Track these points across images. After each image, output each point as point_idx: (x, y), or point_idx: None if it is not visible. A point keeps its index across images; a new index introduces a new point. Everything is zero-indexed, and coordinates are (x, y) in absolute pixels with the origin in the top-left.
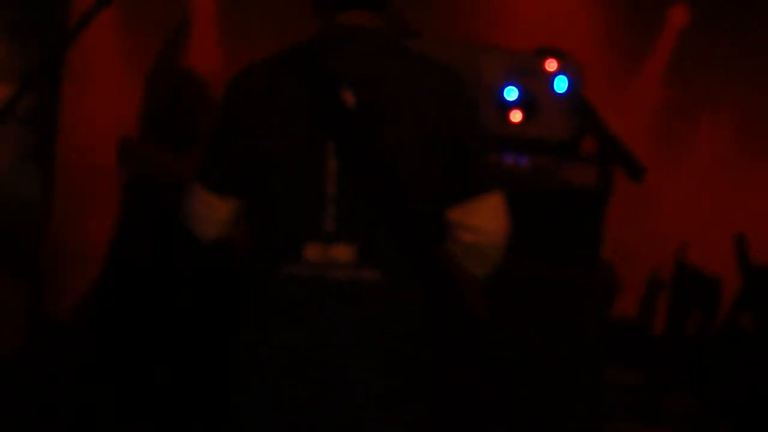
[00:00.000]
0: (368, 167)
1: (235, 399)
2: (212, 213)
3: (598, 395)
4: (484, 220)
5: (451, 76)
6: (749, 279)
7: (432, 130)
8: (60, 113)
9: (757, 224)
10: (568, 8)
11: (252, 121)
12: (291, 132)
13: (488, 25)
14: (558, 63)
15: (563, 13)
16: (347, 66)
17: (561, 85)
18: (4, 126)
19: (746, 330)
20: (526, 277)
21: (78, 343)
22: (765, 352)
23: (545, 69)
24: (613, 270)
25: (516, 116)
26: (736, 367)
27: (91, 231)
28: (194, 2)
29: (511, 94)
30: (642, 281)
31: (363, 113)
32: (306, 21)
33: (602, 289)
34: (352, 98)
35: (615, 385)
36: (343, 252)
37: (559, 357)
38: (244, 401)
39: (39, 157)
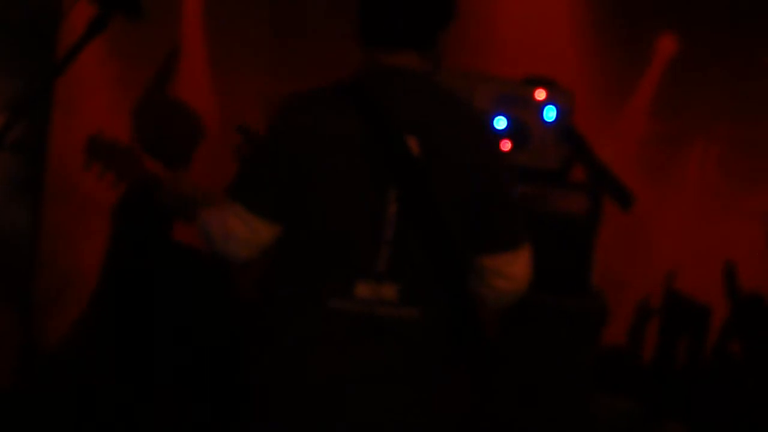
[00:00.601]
0: (427, 215)
1: (265, 424)
2: (254, 236)
3: (588, 422)
4: (521, 270)
5: (488, 127)
6: (737, 307)
7: (477, 181)
8: (49, 143)
9: (745, 253)
10: (557, 37)
11: (309, 153)
12: (352, 171)
13: (477, 53)
14: (547, 92)
15: (552, 42)
16: (408, 112)
17: (550, 114)
18: None
19: (735, 357)
20: (517, 303)
21: (67, 373)
22: (753, 379)
23: (534, 98)
24: (603, 297)
25: (505, 145)
26: (726, 395)
27: (81, 260)
28: (184, 32)
29: (501, 123)
30: (631, 309)
31: (426, 162)
32: (295, 52)
33: (592, 317)
34: (416, 146)
35: (605, 413)
36: (390, 291)
37: (549, 384)
38: (277, 428)
39: (28, 186)
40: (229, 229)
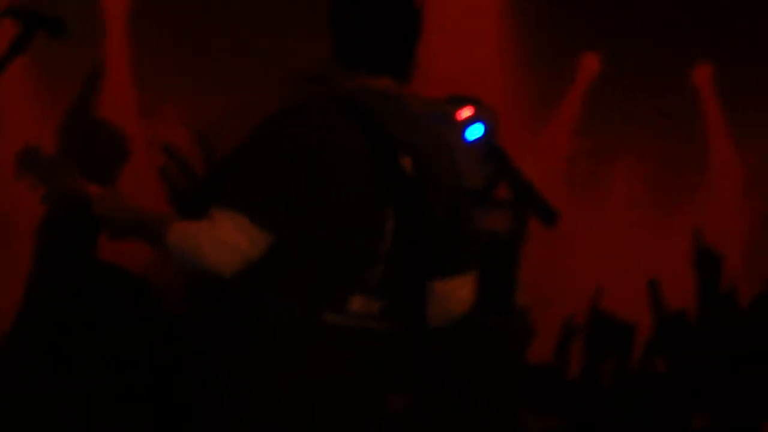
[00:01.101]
0: (416, 235)
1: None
2: (253, 248)
3: None
4: (468, 294)
5: (455, 153)
6: (662, 324)
7: (450, 208)
8: None
9: (669, 270)
10: (481, 56)
11: (310, 165)
12: (352, 186)
13: None
14: (471, 111)
15: (476, 61)
16: (401, 133)
17: (474, 132)
18: None
19: (659, 375)
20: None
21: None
22: (677, 396)
23: (458, 116)
24: (528, 316)
25: None
26: (650, 411)
27: (3, 278)
28: (108, 50)
29: None
30: (557, 327)
31: (418, 181)
32: (220, 74)
33: (518, 335)
34: (410, 165)
35: (533, 429)
36: (375, 305)
37: (477, 402)
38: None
39: None
40: (227, 241)
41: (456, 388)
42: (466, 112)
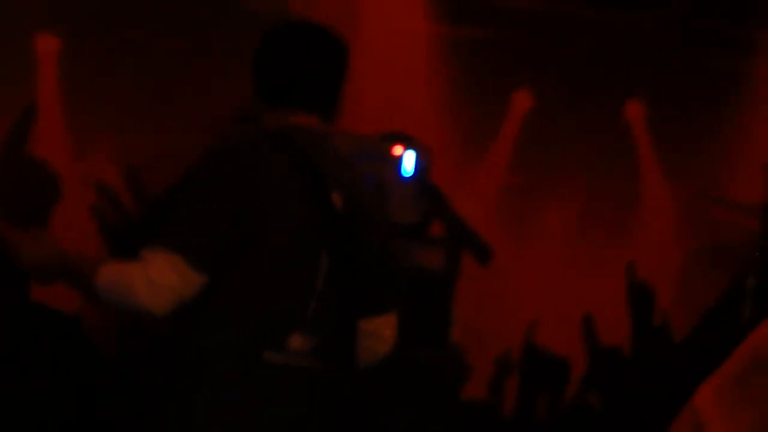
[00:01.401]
0: (349, 272)
1: None
2: (185, 286)
3: None
4: (392, 332)
5: (384, 191)
6: (595, 359)
7: (378, 246)
8: None
9: (602, 306)
10: (415, 94)
11: (248, 201)
12: (289, 223)
13: None
14: (405, 147)
15: (410, 100)
16: (331, 170)
17: (408, 168)
18: None
19: (593, 408)
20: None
21: None
22: (611, 429)
23: (393, 154)
24: (464, 352)
25: None
26: None
27: None
28: (40, 91)
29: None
30: (492, 362)
31: (349, 218)
32: (150, 114)
33: (452, 370)
34: (340, 202)
35: None
36: (311, 342)
37: None
38: None
39: None
40: (160, 282)
41: (391, 424)
42: (400, 149)
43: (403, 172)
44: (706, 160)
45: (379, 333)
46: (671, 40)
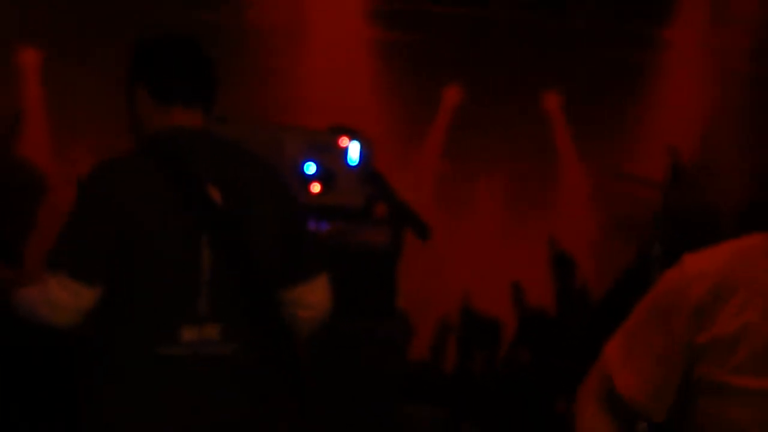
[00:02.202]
0: (237, 258)
1: None
2: (78, 300)
3: (398, 430)
4: (319, 298)
5: (281, 177)
6: (524, 319)
7: (275, 224)
8: None
9: (528, 272)
10: (358, 92)
11: (122, 213)
12: (164, 225)
13: (286, 108)
14: (350, 139)
15: (353, 96)
16: (206, 165)
17: (353, 157)
18: None
19: (524, 363)
20: (332, 327)
21: None
22: (540, 383)
23: (339, 145)
24: (408, 318)
25: (315, 188)
26: (517, 397)
27: None
28: (24, 96)
29: (310, 168)
30: (433, 326)
31: (229, 209)
32: (122, 114)
33: (399, 335)
34: (218, 196)
35: (412, 421)
36: (212, 331)
37: (362, 399)
38: None
39: None
40: (53, 299)
41: (342, 385)
42: (346, 141)
43: (349, 161)
44: (615, 142)
45: (304, 300)
46: (584, 38)
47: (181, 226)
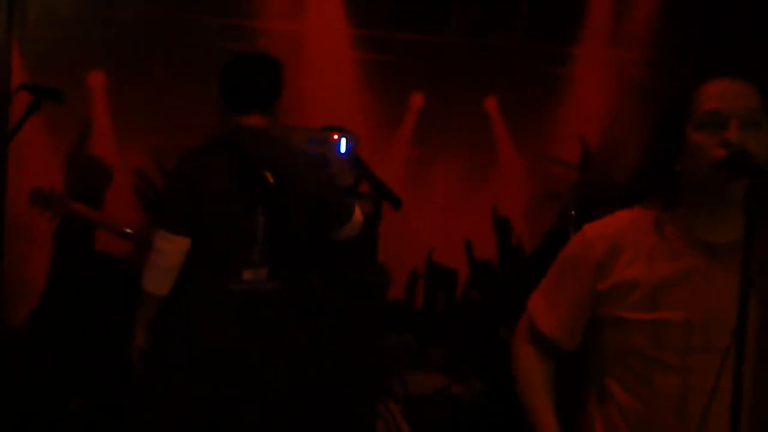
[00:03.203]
0: (281, 224)
1: (166, 378)
2: (177, 247)
3: (382, 352)
4: (358, 218)
5: (314, 159)
6: (474, 269)
7: (311, 198)
8: (5, 185)
9: (477, 233)
10: (345, 98)
11: (202, 189)
12: (232, 197)
13: (291, 111)
14: (340, 135)
15: (342, 102)
16: (263, 155)
17: (342, 149)
18: None
19: (475, 301)
20: (333, 277)
21: (27, 346)
22: (488, 316)
23: (333, 138)
24: (387, 269)
25: None
26: (470, 327)
27: (33, 269)
28: (93, 107)
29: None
30: (406, 275)
31: (279, 188)
32: (174, 121)
33: (380, 282)
34: (271, 178)
35: (393, 345)
36: (263, 272)
37: (355, 329)
38: (176, 379)
39: None
40: (161, 249)
41: (338, 321)
42: (336, 136)
43: (339, 151)
44: (540, 133)
45: (341, 234)
46: (515, 55)
47: (243, 200)
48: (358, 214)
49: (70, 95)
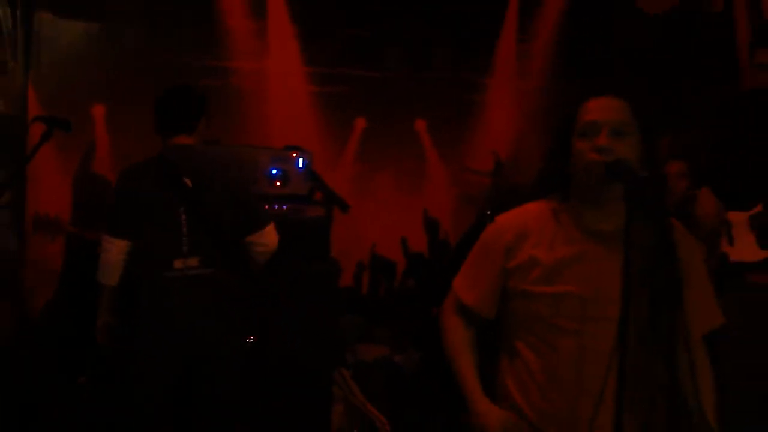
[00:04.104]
0: (201, 219)
1: (137, 342)
2: (119, 248)
3: (338, 330)
4: (267, 239)
5: (234, 171)
6: (409, 260)
7: (225, 197)
8: (26, 199)
9: (411, 231)
10: (302, 123)
11: (136, 197)
12: (159, 201)
13: (257, 134)
14: (298, 153)
15: (299, 125)
16: (185, 166)
17: (300, 164)
18: None
19: (410, 286)
20: (291, 269)
21: (43, 332)
22: (421, 298)
23: (292, 156)
24: (337, 262)
25: (278, 184)
26: (408, 308)
27: (49, 265)
28: (96, 133)
29: (274, 172)
30: (353, 266)
31: (196, 190)
32: (158, 144)
33: (332, 272)
34: (189, 182)
35: (346, 324)
36: (193, 261)
37: (312, 313)
38: (144, 343)
39: (16, 224)
40: (106, 248)
41: (297, 306)
42: (295, 154)
43: (297, 166)
44: (462, 149)
45: (258, 242)
46: (440, 84)
47: (167, 202)
48: (271, 234)
49: (76, 124)
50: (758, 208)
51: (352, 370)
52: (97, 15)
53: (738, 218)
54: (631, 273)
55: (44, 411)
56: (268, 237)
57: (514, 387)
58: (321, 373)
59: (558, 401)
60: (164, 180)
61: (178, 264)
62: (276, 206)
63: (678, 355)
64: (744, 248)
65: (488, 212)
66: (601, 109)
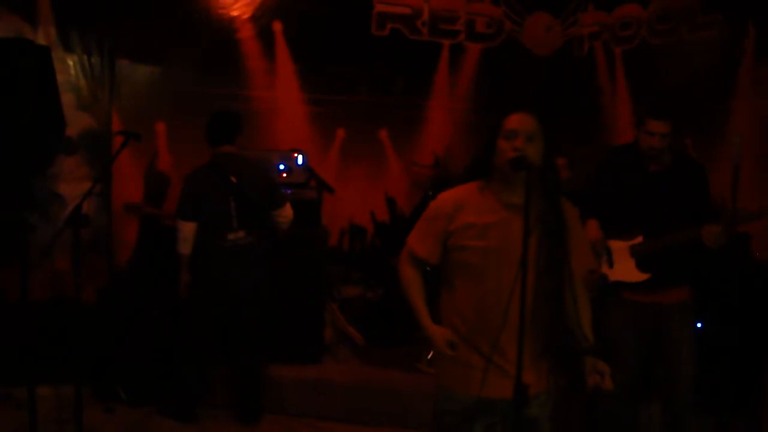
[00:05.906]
0: (245, 203)
1: (202, 289)
2: (189, 228)
3: (327, 274)
4: (286, 212)
5: (264, 170)
6: (376, 227)
7: (261, 187)
8: (111, 190)
9: (377, 207)
10: (301, 133)
11: (198, 191)
12: (215, 193)
13: (269, 141)
14: (298, 153)
15: (298, 135)
16: (232, 167)
17: (300, 162)
18: (92, 200)
19: (377, 246)
20: (291, 235)
21: (127, 279)
22: (384, 253)
23: (293, 156)
24: (326, 228)
25: (284, 175)
26: (375, 260)
27: (128, 237)
28: (158, 143)
29: (281, 167)
30: (337, 231)
31: (239, 184)
32: (204, 151)
33: (323, 236)
34: (234, 179)
35: (333, 271)
36: (241, 233)
37: (304, 268)
38: (206, 290)
39: (106, 208)
40: (179, 228)
41: (299, 259)
42: (296, 154)
43: (297, 163)
44: (412, 150)
45: (280, 214)
46: (398, 106)
47: (220, 192)
48: (289, 209)
49: (145, 136)
50: (639, 239)
51: (338, 303)
52: (160, 60)
53: (618, 245)
54: (529, 230)
55: (130, 334)
56: (287, 211)
57: (452, 312)
58: (316, 305)
59: (484, 321)
60: (217, 178)
61: (231, 236)
62: (286, 191)
63: (565, 291)
64: (624, 271)
65: (430, 193)
66: (519, 120)
